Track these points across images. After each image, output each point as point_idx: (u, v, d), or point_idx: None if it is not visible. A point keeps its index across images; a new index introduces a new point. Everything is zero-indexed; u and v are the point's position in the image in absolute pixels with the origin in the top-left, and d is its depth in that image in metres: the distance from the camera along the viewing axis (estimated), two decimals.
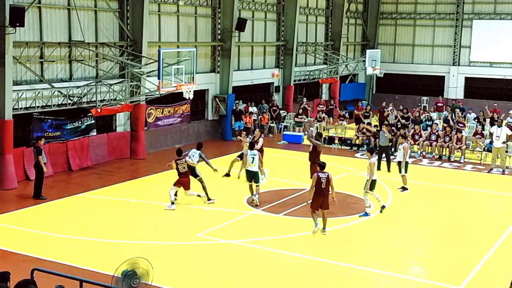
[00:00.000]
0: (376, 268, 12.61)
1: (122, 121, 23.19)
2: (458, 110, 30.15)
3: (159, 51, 20.44)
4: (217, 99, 27.46)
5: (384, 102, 31.25)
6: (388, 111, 29.87)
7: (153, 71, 21.58)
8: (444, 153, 24.27)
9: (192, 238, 14.12)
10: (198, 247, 13.65)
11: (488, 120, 27.76)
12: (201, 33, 26.86)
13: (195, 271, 12.35)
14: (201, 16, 26.86)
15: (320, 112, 30.06)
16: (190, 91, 21.44)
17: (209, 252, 13.39)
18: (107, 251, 13.22)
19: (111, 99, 21.47)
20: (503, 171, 21.83)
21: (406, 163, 18.87)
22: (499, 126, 22.36)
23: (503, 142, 22.00)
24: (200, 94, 26.43)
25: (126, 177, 20.11)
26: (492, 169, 21.96)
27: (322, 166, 14.74)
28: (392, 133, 25.31)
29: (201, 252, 13.39)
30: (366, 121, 28.57)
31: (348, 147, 26.02)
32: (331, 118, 30.24)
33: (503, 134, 21.93)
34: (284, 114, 30.89)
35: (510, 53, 36.52)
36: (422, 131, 25.37)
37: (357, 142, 25.89)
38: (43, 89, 19.60)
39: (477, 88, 37.80)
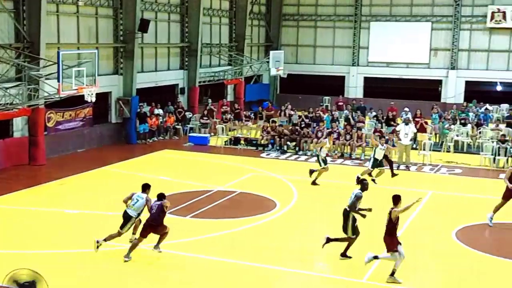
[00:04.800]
0: (283, 266, 12.82)
1: (19, 126, 22.19)
2: (359, 111, 31.14)
3: (58, 53, 19.81)
4: (120, 101, 26.93)
5: (288, 103, 31.88)
6: (289, 111, 30.54)
7: (53, 73, 20.84)
8: (345, 150, 25.06)
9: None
10: (102, 254, 13.30)
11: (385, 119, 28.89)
12: (102, 34, 26.23)
13: (100, 278, 12.05)
14: (102, 17, 26.23)
15: (226, 114, 30.20)
16: (92, 94, 20.94)
17: (114, 259, 13.08)
18: (8, 263, 12.62)
19: (7, 103, 20.51)
20: (408, 167, 22.76)
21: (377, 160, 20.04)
22: (407, 123, 23.33)
23: (410, 140, 23.01)
24: (102, 97, 25.78)
25: (25, 185, 19.26)
26: (399, 165, 22.83)
27: None
28: (296, 133, 25.90)
29: (105, 259, 13.06)
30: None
31: (254, 147, 26.30)
32: (237, 121, 30.22)
33: (410, 131, 22.93)
34: (190, 115, 30.78)
35: (405, 54, 38.29)
36: (326, 129, 26.00)
37: (262, 142, 26.22)
38: None
39: (375, 87, 39.32)
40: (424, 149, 24.02)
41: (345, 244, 13.21)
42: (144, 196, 13.10)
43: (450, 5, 37.37)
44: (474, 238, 14.93)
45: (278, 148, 25.66)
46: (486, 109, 32.51)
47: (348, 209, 13.12)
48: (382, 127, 27.37)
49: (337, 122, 27.34)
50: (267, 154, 25.18)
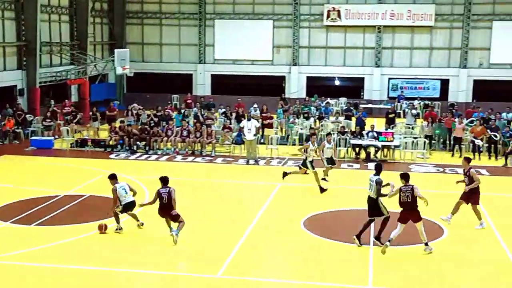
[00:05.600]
0: (138, 268, 12.61)
1: None
2: (212, 108, 31.38)
3: None
4: None
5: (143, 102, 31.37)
6: (136, 110, 30.08)
7: None
8: (196, 148, 25.19)
9: None
10: None
11: (234, 115, 29.47)
12: None
13: None
14: None
15: (69, 115, 28.99)
16: None
17: None
18: None
19: None
20: (257, 161, 23.32)
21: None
22: (249, 119, 23.85)
23: (254, 134, 23.58)
24: None
25: None
26: (248, 160, 23.32)
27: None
28: (145, 132, 25.59)
29: None
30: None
31: (102, 149, 25.55)
32: (77, 125, 28.97)
33: (253, 127, 23.47)
34: (31, 118, 29.14)
35: (249, 51, 39.29)
36: (175, 127, 25.98)
37: (110, 143, 25.54)
38: None
39: (222, 84, 39.95)
40: (271, 143, 24.83)
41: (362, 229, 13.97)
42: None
43: (289, 4, 38.94)
44: (320, 225, 15.70)
45: (127, 148, 25.17)
46: (327, 102, 34.33)
47: (374, 197, 13.70)
48: (231, 123, 27.89)
49: (186, 120, 27.39)
50: (116, 155, 24.59)
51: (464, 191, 15.20)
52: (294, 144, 26.71)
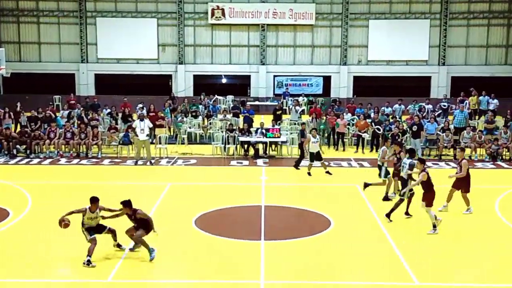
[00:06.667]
0: (22, 277, 12.02)
1: None
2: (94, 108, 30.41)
3: None
4: None
5: (19, 103, 29.88)
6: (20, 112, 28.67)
7: None
8: (81, 150, 24.40)
9: None
10: None
11: (120, 115, 28.85)
12: None
13: None
14: None
15: None
16: None
17: None
18: None
19: None
20: (150, 162, 22.92)
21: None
22: (142, 119, 23.35)
23: (147, 135, 23.16)
24: None
25: None
26: (137, 161, 22.86)
27: None
28: (26, 135, 24.48)
29: None
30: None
31: None
32: None
33: (146, 127, 23.03)
34: None
35: (134, 50, 38.66)
36: (58, 129, 25.04)
37: None
38: None
39: (107, 84, 39.00)
40: (160, 143, 24.56)
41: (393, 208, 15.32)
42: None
43: (173, 2, 38.69)
44: (211, 223, 15.75)
45: (6, 153, 23.92)
46: (215, 100, 34.48)
47: (405, 177, 15.31)
48: (117, 124, 27.28)
49: (71, 121, 26.46)
50: (5, 161, 23.28)
51: (454, 178, 16.25)
52: (183, 143, 26.59)
